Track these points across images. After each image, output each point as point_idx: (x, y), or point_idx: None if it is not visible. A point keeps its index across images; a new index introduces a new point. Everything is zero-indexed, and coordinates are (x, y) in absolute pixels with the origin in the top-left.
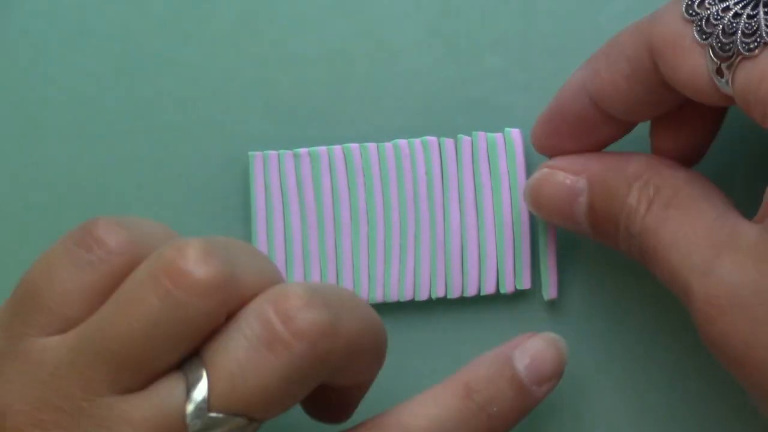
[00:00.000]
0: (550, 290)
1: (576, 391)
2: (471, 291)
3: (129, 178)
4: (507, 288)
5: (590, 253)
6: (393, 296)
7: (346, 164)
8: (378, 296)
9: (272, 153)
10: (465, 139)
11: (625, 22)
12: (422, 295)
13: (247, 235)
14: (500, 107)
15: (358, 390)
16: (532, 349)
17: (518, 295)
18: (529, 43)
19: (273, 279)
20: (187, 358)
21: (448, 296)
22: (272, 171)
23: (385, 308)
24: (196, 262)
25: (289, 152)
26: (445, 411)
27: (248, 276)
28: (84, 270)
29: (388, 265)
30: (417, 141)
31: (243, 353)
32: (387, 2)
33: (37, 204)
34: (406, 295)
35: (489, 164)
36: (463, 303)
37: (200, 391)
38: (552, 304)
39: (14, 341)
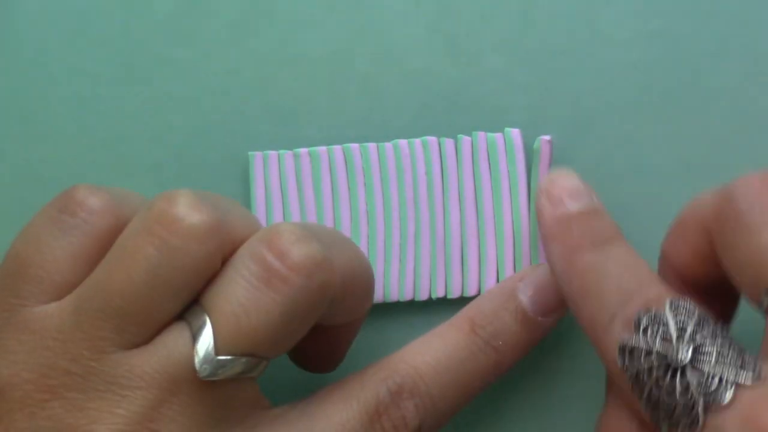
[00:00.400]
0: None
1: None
2: (471, 291)
3: (129, 178)
4: None
5: None
6: (393, 296)
7: (346, 164)
8: (378, 296)
9: (272, 153)
10: (465, 139)
11: (624, 24)
12: (422, 295)
13: None
14: (500, 107)
15: (348, 332)
16: (536, 280)
17: None
18: (529, 43)
19: (257, 224)
20: (188, 307)
21: (448, 296)
22: (272, 171)
23: (385, 308)
24: (188, 209)
25: (289, 152)
26: (451, 347)
27: (237, 221)
28: (71, 234)
29: (388, 265)
30: (417, 141)
31: (243, 293)
32: (387, 2)
33: (37, 204)
34: (406, 295)
35: (489, 164)
36: (463, 303)
37: (206, 337)
38: None
39: (9, 314)
